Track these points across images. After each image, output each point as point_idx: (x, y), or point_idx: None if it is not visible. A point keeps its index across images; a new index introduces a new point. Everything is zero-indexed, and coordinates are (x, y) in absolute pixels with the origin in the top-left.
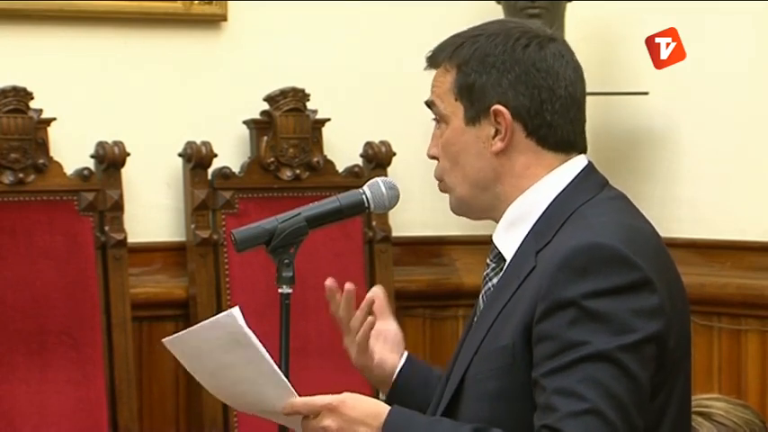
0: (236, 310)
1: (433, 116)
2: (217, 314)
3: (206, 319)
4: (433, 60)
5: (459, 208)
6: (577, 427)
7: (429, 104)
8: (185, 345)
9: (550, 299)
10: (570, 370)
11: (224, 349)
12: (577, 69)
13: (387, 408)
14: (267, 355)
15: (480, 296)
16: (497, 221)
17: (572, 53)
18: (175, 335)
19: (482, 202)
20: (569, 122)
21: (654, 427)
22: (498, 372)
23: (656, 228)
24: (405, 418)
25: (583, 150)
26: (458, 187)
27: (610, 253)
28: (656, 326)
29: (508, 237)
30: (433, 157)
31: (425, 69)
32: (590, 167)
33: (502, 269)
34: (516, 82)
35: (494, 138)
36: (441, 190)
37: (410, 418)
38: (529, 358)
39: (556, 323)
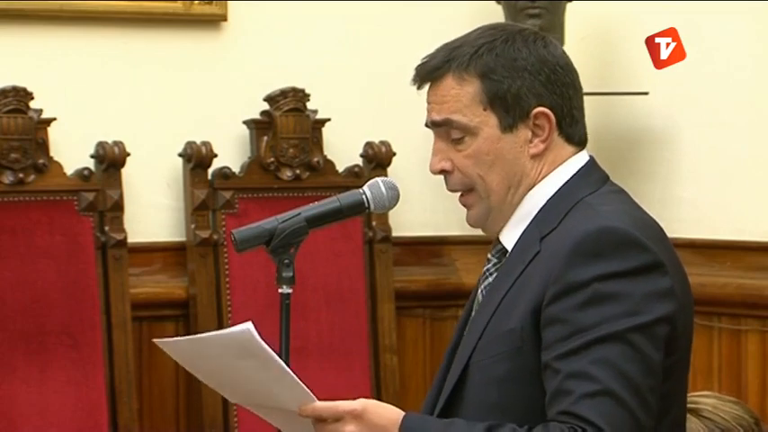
0: (250, 325)
1: (456, 132)
2: (217, 313)
3: (206, 319)
4: (434, 74)
5: (487, 215)
6: (592, 408)
7: (441, 123)
8: (183, 348)
9: (562, 282)
10: (582, 352)
11: (234, 357)
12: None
13: (402, 414)
14: (285, 366)
15: (479, 290)
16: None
17: None
18: (172, 339)
19: (511, 204)
20: (584, 116)
21: (664, 411)
22: (506, 355)
23: None
24: (419, 422)
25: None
26: (493, 195)
27: (621, 236)
28: (667, 307)
29: (514, 231)
30: (441, 172)
31: (415, 83)
32: (592, 162)
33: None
34: (547, 82)
35: (531, 141)
36: (464, 203)
37: (424, 423)
38: (537, 342)
39: (567, 306)
